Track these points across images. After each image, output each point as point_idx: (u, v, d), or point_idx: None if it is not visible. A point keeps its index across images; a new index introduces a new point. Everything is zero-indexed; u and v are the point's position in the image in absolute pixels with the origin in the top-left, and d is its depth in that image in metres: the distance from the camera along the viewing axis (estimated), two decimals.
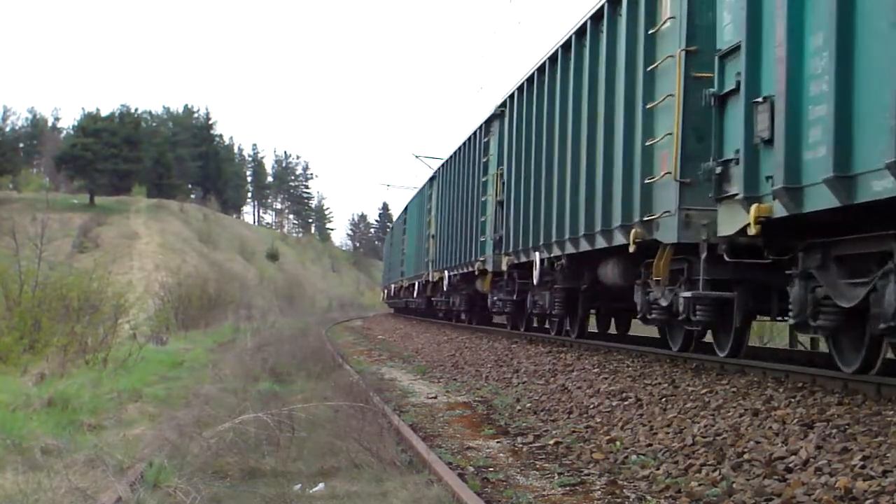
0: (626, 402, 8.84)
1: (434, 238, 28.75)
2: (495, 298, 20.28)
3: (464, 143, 24.31)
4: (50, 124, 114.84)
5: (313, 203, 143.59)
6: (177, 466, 6.16)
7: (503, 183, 18.93)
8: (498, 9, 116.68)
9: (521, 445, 7.62)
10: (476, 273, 21.78)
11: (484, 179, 21.05)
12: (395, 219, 55.26)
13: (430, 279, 29.47)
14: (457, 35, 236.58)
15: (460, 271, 23.96)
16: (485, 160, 21.07)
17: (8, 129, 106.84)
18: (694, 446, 6.65)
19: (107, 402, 9.67)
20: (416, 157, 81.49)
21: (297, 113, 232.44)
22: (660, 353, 11.83)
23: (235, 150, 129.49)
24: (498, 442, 7.88)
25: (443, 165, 28.81)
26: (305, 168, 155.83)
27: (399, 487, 5.83)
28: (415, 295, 34.24)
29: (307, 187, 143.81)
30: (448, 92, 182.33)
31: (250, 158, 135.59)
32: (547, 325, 18.51)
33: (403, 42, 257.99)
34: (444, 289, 27.11)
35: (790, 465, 5.69)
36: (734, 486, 5.50)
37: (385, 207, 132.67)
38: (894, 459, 5.34)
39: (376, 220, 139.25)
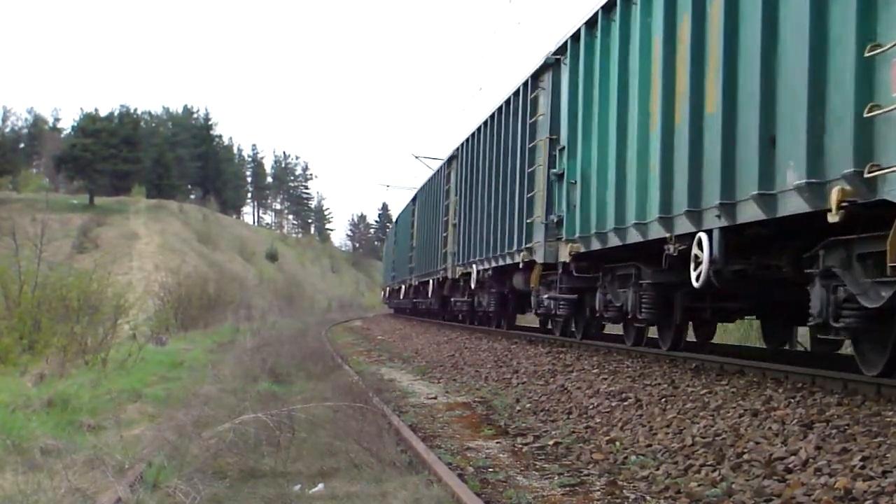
0: (625, 403, 8.84)
1: (415, 249, 33.82)
2: (454, 299, 25.65)
3: (436, 172, 29.40)
4: (50, 124, 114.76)
5: (313, 203, 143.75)
6: (176, 467, 6.15)
7: (456, 209, 24.12)
8: (498, 9, 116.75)
9: (520, 446, 7.61)
10: (440, 279, 26.78)
11: (446, 203, 26.03)
12: (393, 220, 55.80)
13: (412, 284, 34.61)
14: (457, 35, 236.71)
15: (432, 277, 28.62)
16: (447, 188, 26.09)
17: (8, 129, 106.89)
18: (693, 447, 6.65)
19: (106, 403, 9.67)
20: (416, 157, 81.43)
21: (296, 113, 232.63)
22: (660, 353, 11.85)
23: (235, 150, 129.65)
24: (497, 442, 7.88)
25: (421, 188, 33.56)
26: (305, 168, 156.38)
27: (399, 488, 5.82)
28: (402, 297, 39.36)
29: (307, 188, 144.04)
30: (448, 92, 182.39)
31: (250, 159, 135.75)
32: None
33: (403, 42, 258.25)
34: (423, 291, 31.93)
35: (790, 466, 5.69)
36: (734, 486, 5.50)
37: (384, 208, 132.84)
38: (894, 460, 5.34)
39: (376, 221, 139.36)
